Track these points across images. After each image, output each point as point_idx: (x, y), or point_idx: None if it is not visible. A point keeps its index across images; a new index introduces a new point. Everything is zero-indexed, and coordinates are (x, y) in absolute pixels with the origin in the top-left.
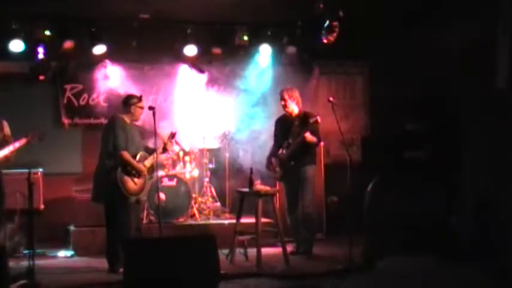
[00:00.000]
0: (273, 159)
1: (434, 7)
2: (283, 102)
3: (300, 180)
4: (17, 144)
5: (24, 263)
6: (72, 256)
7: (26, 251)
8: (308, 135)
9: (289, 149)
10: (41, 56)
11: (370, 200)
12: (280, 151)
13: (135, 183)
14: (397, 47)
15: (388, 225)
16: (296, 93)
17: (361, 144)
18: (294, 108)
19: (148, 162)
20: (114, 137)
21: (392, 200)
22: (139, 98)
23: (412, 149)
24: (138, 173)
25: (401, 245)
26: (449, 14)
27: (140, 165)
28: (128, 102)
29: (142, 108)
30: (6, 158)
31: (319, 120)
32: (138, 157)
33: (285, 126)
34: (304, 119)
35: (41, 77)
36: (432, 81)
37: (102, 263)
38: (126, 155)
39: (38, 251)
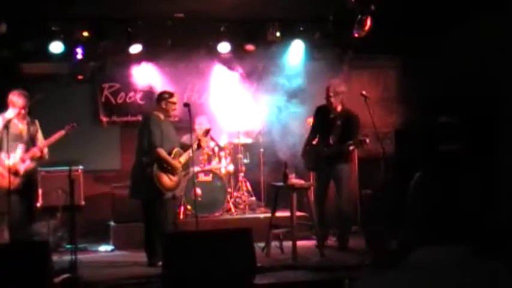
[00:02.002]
0: (307, 148)
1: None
2: (327, 97)
3: (334, 178)
4: (51, 139)
5: (67, 258)
6: (112, 250)
7: (68, 246)
8: (351, 148)
9: (329, 150)
10: (79, 56)
11: (414, 192)
12: (316, 141)
13: (171, 180)
14: (430, 40)
15: (429, 218)
16: (342, 88)
17: (394, 137)
18: (337, 105)
19: (183, 159)
20: (149, 134)
21: (433, 192)
22: (171, 94)
23: (446, 141)
24: (173, 171)
25: (438, 236)
26: (480, 7)
27: (176, 163)
28: (160, 98)
29: (174, 103)
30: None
31: (367, 141)
32: (173, 154)
33: (326, 121)
34: (347, 121)
35: (80, 77)
36: (465, 73)
37: (141, 256)
38: (162, 152)
39: (79, 245)
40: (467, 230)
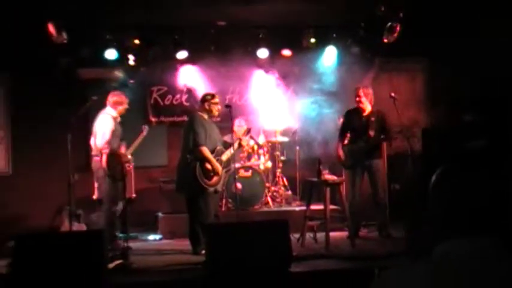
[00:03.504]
0: (342, 149)
1: (493, 4)
2: (357, 99)
3: (370, 171)
4: (138, 140)
5: (120, 245)
6: (160, 239)
7: (120, 235)
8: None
9: (370, 142)
10: (131, 62)
11: (433, 189)
12: (347, 141)
13: (212, 177)
14: (456, 43)
15: (451, 210)
16: (370, 91)
17: (421, 135)
18: (367, 106)
19: (225, 157)
20: (193, 134)
21: (455, 186)
22: (213, 95)
23: (471, 139)
24: (215, 169)
25: (462, 228)
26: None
27: (217, 164)
28: (203, 99)
29: (216, 104)
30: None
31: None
32: (215, 152)
33: (360, 120)
34: (379, 118)
35: (131, 81)
36: (490, 76)
37: (186, 245)
38: (205, 150)
39: (131, 234)
40: (490, 222)
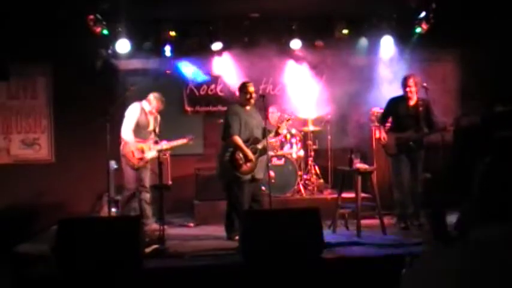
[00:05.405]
0: (387, 135)
1: None
2: (408, 88)
3: (415, 161)
4: (175, 142)
5: (156, 231)
6: (195, 225)
7: (157, 221)
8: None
9: (419, 133)
10: (167, 53)
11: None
12: (394, 129)
13: (246, 165)
14: (487, 34)
15: (486, 197)
16: (419, 80)
17: (453, 125)
18: (414, 95)
19: (260, 145)
20: (226, 124)
21: (490, 174)
22: (244, 84)
23: (501, 129)
24: (246, 158)
25: (497, 214)
26: None
27: (248, 151)
28: (238, 89)
29: (247, 93)
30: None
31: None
32: (251, 140)
33: (406, 109)
34: (427, 107)
35: (168, 71)
36: None
37: (221, 231)
38: (237, 139)
39: (167, 220)
40: None
